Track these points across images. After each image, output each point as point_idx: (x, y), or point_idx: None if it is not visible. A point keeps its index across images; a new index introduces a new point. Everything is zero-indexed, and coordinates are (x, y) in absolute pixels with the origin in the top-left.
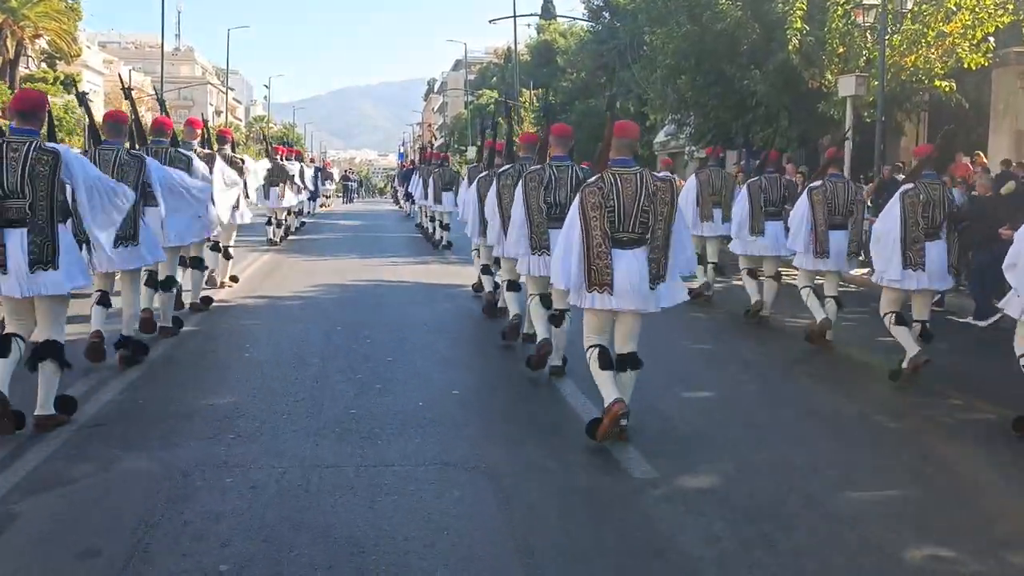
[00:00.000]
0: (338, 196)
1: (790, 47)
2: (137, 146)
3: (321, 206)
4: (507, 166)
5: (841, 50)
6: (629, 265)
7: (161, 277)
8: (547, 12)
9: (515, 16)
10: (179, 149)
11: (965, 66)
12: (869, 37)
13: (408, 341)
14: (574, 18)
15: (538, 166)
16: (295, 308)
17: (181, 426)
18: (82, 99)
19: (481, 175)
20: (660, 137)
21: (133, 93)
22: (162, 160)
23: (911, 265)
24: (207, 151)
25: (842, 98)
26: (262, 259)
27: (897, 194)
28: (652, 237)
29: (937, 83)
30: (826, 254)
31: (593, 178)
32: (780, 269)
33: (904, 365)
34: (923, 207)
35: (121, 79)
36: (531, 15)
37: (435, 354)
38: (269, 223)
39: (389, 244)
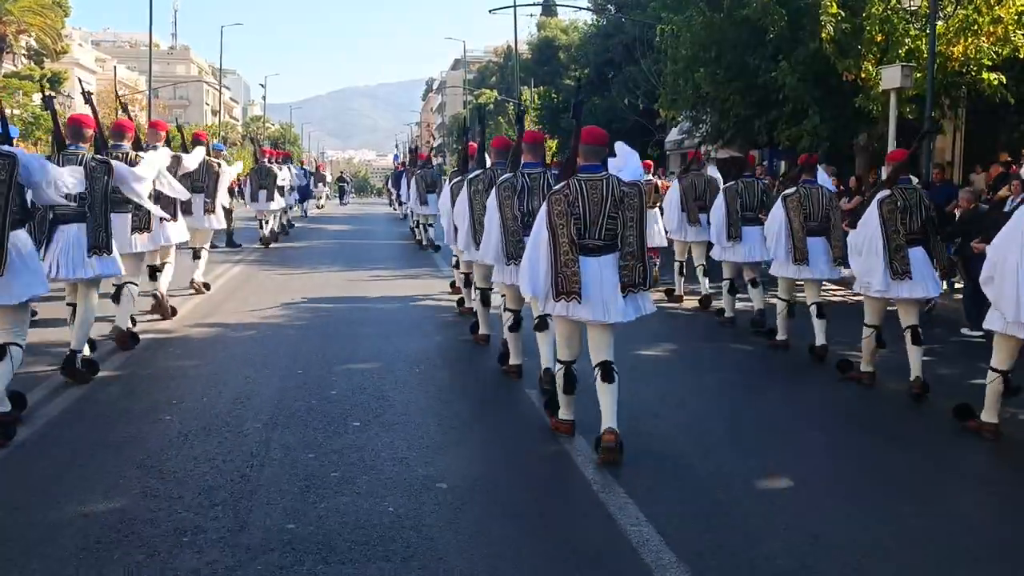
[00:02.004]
0: (330, 199)
1: (824, 35)
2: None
3: (317, 207)
4: (478, 171)
5: (879, 39)
6: (596, 273)
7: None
8: (548, 7)
9: (515, 5)
10: (140, 155)
11: (1023, 55)
12: (914, 23)
13: (385, 394)
14: (578, 7)
15: (510, 174)
16: (251, 342)
17: (12, 568)
18: (48, 103)
19: (455, 179)
20: (673, 136)
21: (127, 92)
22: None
23: (898, 274)
24: (172, 154)
25: (881, 92)
26: (231, 272)
27: (874, 202)
28: (623, 244)
29: (985, 75)
30: (805, 261)
31: (559, 185)
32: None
33: (859, 370)
34: (901, 214)
35: (81, 84)
36: (533, 4)
37: (419, 417)
38: (261, 226)
39: (378, 252)
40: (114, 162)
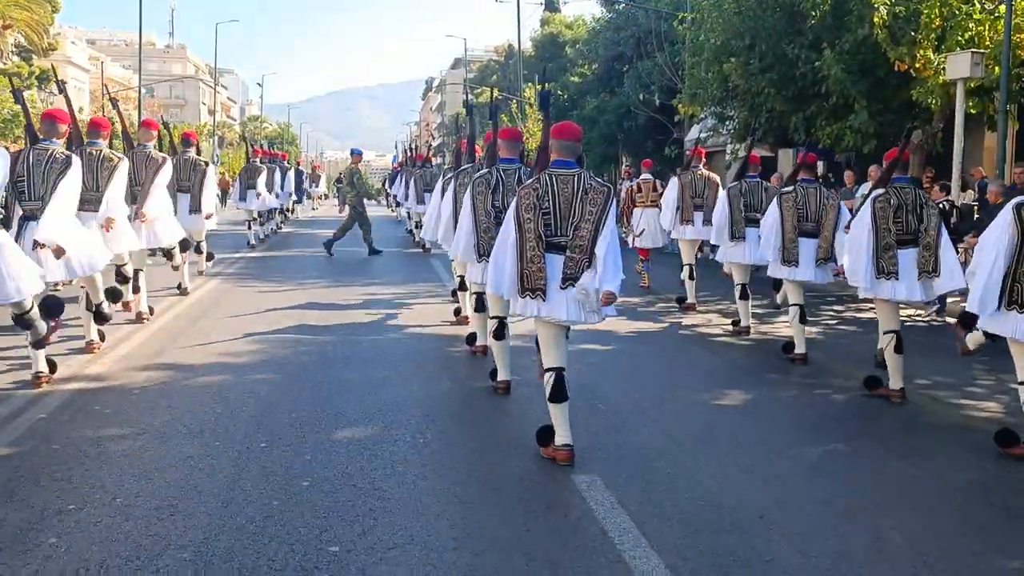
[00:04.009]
0: (328, 198)
1: (876, 19)
2: (74, 147)
3: (312, 208)
4: (466, 166)
5: (937, 24)
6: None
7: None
8: (551, 3)
9: None
10: (114, 152)
11: None
12: (977, 5)
13: (378, 486)
14: None
15: (485, 170)
16: (205, 396)
17: None
18: (18, 96)
19: (448, 176)
20: (693, 134)
21: (120, 90)
22: (95, 161)
23: (883, 273)
24: (162, 154)
25: (942, 83)
26: (203, 289)
27: (868, 200)
28: (574, 236)
29: None
30: (794, 262)
31: (530, 180)
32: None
33: (888, 388)
34: (895, 212)
35: (55, 72)
36: None
37: (426, 533)
38: (249, 227)
39: (373, 263)
40: (73, 169)
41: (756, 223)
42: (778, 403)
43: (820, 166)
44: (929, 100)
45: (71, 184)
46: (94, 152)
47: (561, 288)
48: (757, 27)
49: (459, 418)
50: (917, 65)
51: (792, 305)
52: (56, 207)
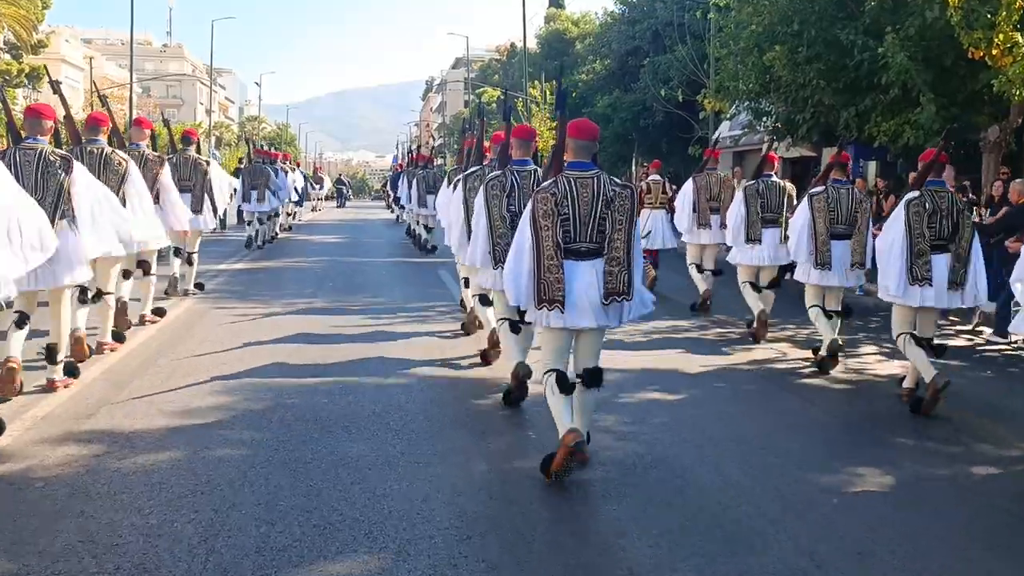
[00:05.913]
0: (328, 200)
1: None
2: (71, 146)
3: (312, 209)
4: (475, 168)
5: (1019, 3)
6: (585, 278)
7: (92, 291)
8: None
9: None
10: (116, 151)
11: None
12: None
13: None
14: None
15: (499, 171)
16: (137, 491)
17: None
18: None
19: (457, 177)
20: (723, 131)
21: (114, 88)
22: (96, 161)
23: (917, 280)
24: (156, 154)
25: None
26: (174, 313)
27: (901, 203)
28: (609, 248)
29: None
30: (827, 265)
31: (547, 183)
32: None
33: (929, 392)
34: (929, 217)
35: (47, 72)
36: None
37: None
38: (249, 225)
39: (374, 276)
40: (77, 165)
41: (773, 224)
42: (937, 488)
43: (872, 167)
44: (1013, 91)
45: (86, 189)
46: (95, 151)
47: (604, 304)
48: (806, 10)
49: (504, 528)
50: (995, 51)
51: (811, 307)
52: (95, 218)
